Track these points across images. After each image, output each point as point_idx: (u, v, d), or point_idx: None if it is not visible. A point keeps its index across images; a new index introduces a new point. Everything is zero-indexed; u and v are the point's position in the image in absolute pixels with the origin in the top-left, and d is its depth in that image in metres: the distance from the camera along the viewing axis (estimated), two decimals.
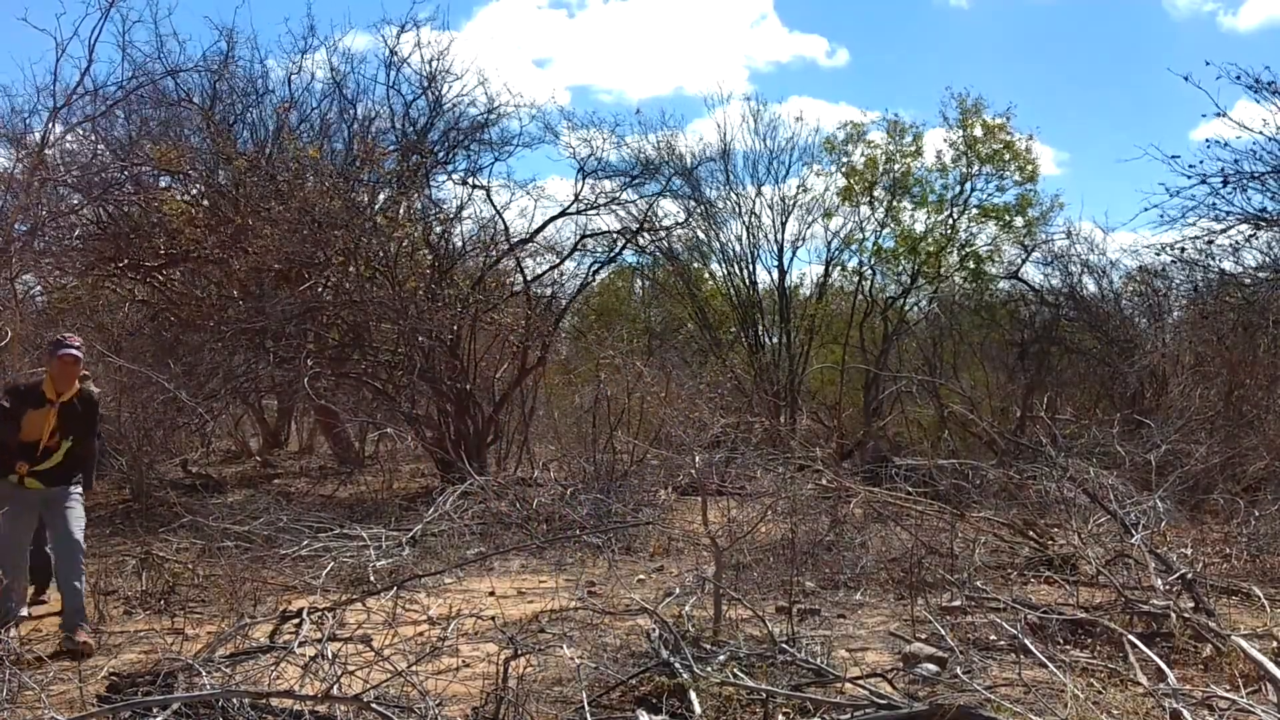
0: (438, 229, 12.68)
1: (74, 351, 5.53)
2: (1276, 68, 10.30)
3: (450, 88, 14.05)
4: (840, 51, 37.06)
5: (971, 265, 16.12)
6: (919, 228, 16.24)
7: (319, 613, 5.30)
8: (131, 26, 13.42)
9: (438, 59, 13.97)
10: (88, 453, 5.68)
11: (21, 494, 5.45)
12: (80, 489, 5.65)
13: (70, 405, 5.54)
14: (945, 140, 16.08)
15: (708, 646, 4.78)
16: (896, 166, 16.06)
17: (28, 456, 5.46)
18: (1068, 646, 5.17)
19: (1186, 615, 5.31)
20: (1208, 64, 13.69)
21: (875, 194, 16.13)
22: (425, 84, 13.96)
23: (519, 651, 4.35)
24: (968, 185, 16.06)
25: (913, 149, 16.06)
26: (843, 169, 16.24)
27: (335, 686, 3.72)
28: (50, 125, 9.67)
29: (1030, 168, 15.97)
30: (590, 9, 37.18)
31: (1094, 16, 37.08)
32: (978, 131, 15.88)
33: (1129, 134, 33.89)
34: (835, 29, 38.68)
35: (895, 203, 16.14)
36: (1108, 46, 37.31)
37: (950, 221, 16.11)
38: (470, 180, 13.49)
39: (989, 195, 16.16)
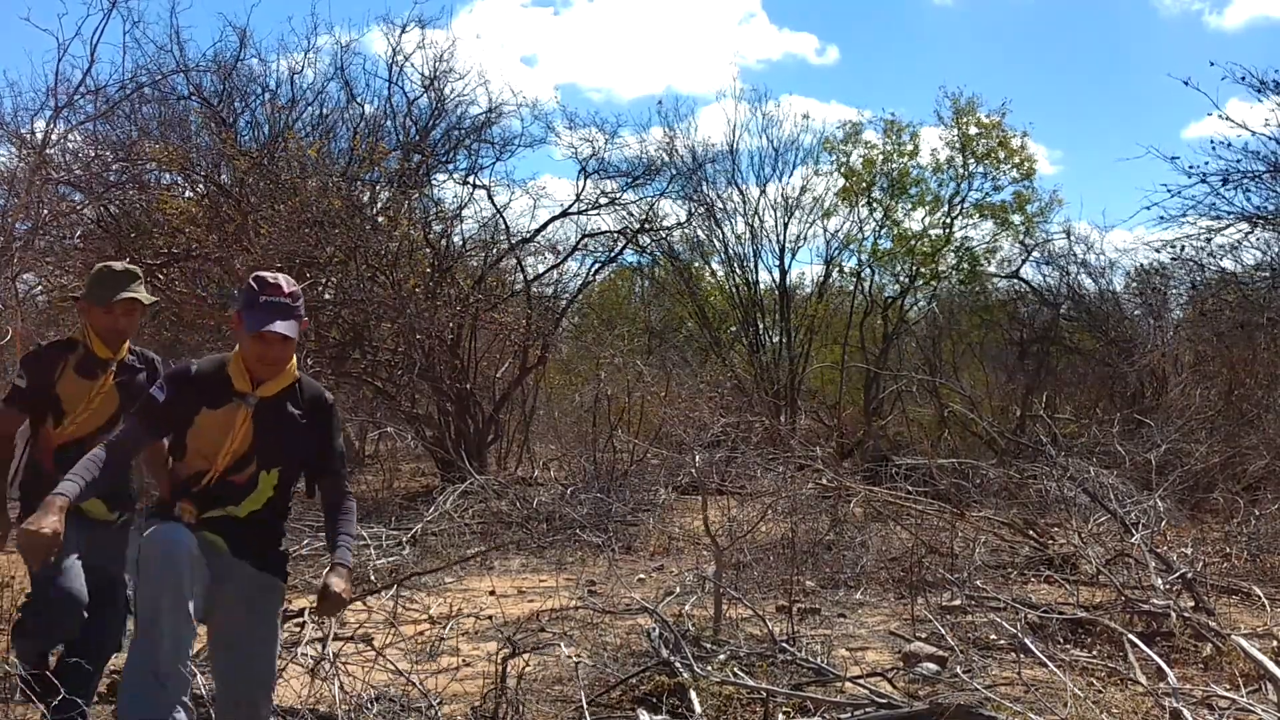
0: (438, 228, 12.72)
1: (289, 307, 2.91)
2: (1263, 66, 10.30)
3: (453, 87, 14.11)
4: (830, 49, 37.07)
5: (966, 266, 16.11)
6: (916, 227, 16.28)
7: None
8: (132, 27, 13.46)
9: (440, 59, 14.03)
10: (335, 501, 3.15)
11: (200, 540, 2.85)
12: (284, 582, 3.12)
13: (277, 405, 2.98)
14: (941, 138, 16.12)
15: (708, 645, 4.78)
16: (893, 167, 16.07)
17: (203, 497, 2.92)
18: (1068, 646, 5.17)
19: (1186, 615, 5.31)
20: (1212, 64, 13.77)
21: (872, 195, 16.14)
22: (428, 83, 14.01)
23: (518, 650, 4.36)
24: (963, 184, 16.09)
25: (910, 148, 16.08)
26: (841, 170, 16.25)
27: (336, 686, 3.73)
28: (52, 124, 9.67)
29: (1027, 164, 15.99)
30: (575, 7, 37.15)
31: (1081, 15, 37.13)
32: (972, 130, 15.89)
33: (1122, 133, 33.99)
34: (825, 27, 38.72)
35: (892, 203, 16.15)
36: (1096, 45, 37.36)
37: (946, 221, 16.12)
38: (471, 180, 13.56)
39: (986, 194, 16.20)
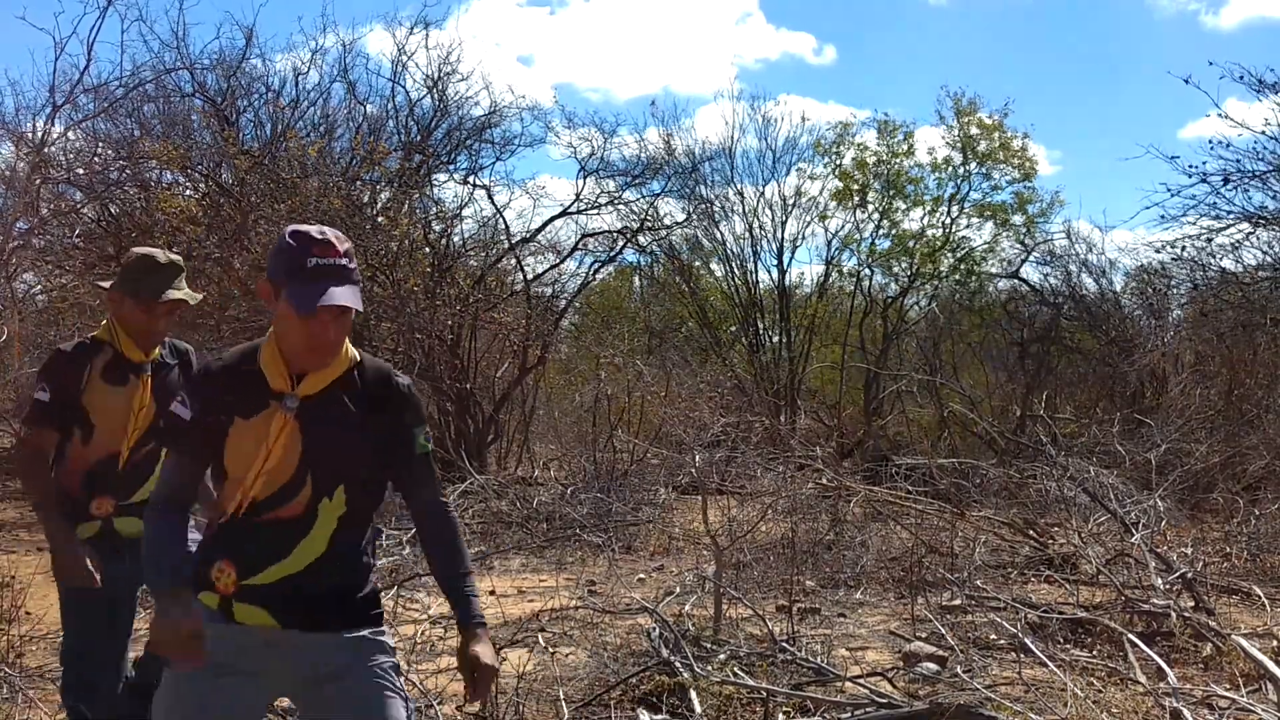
0: (438, 228, 12.73)
1: (339, 270, 2.10)
2: (1260, 66, 10.32)
3: (455, 89, 14.15)
4: (828, 49, 36.94)
5: (963, 267, 16.11)
6: (914, 227, 16.28)
7: None
8: (131, 24, 13.47)
9: (445, 60, 14.08)
10: (435, 522, 2.23)
11: (228, 640, 2.11)
12: (388, 639, 2.23)
13: (329, 401, 2.16)
14: (942, 138, 16.11)
15: (708, 645, 4.78)
16: (887, 169, 16.05)
17: (242, 547, 2.13)
18: (1068, 645, 5.17)
19: (1186, 614, 5.31)
20: (1211, 64, 13.80)
21: (868, 196, 16.14)
22: (432, 84, 14.03)
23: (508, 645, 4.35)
24: (964, 184, 16.08)
25: (905, 148, 16.07)
26: (835, 172, 16.24)
27: None
28: (50, 123, 9.68)
29: (1027, 164, 15.99)
30: (571, 7, 37.00)
31: (1077, 15, 37.08)
32: (973, 130, 15.88)
33: (1120, 133, 33.95)
34: (823, 26, 38.56)
35: (889, 204, 16.15)
36: (1092, 45, 37.28)
37: (946, 221, 16.11)
38: (471, 180, 13.57)
39: (986, 194, 16.19)
